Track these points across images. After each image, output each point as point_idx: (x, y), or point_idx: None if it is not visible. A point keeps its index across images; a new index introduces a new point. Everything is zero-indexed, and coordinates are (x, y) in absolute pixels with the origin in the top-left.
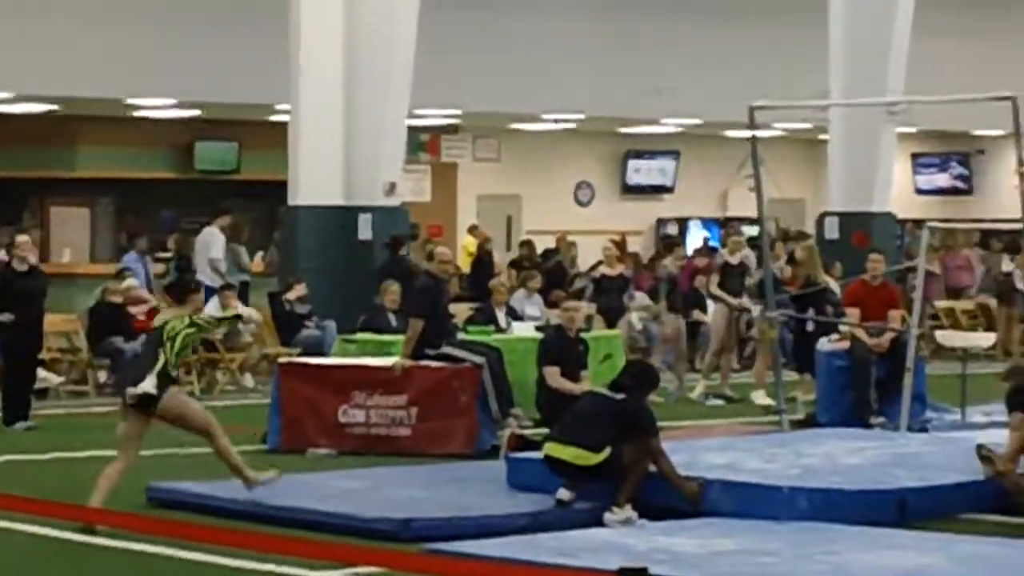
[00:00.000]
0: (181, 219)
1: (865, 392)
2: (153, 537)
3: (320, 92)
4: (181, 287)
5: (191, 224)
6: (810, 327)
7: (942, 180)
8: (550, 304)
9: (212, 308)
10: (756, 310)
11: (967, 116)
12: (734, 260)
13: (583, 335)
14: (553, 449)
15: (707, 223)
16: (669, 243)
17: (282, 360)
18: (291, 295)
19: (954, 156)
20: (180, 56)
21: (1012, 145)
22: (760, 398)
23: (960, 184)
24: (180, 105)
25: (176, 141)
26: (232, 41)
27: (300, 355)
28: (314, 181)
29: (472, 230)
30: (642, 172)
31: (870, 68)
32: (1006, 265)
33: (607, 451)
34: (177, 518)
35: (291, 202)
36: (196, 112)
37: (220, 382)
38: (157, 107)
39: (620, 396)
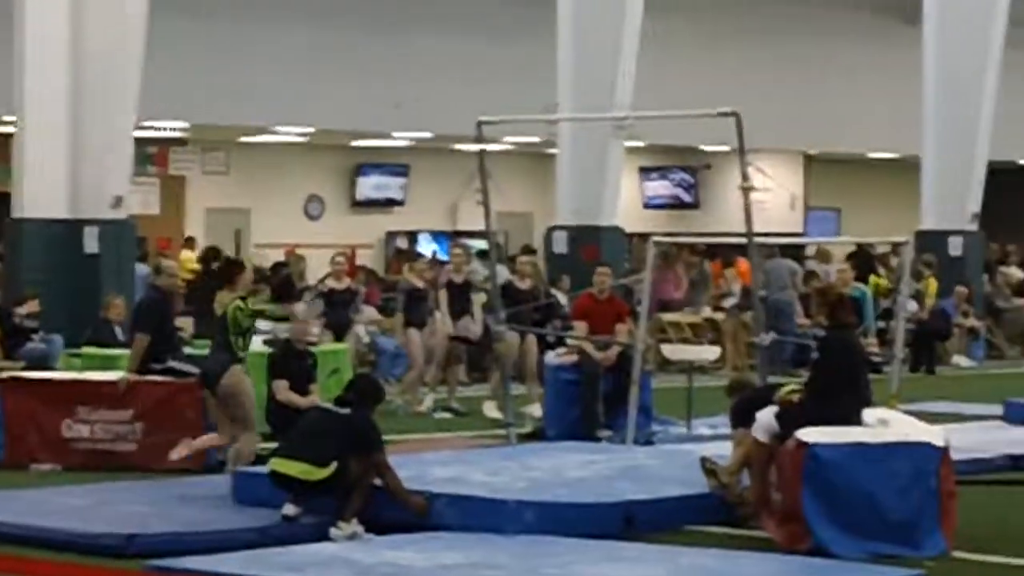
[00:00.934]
0: None
1: (592, 405)
2: None
3: (45, 102)
4: (227, 271)
5: None
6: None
7: (669, 194)
8: (279, 318)
9: None
10: (475, 328)
11: (694, 131)
12: (458, 278)
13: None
14: (279, 464)
15: (437, 236)
16: (409, 256)
17: (5, 375)
18: (22, 310)
19: (681, 170)
20: None
21: (737, 160)
22: (491, 410)
23: (687, 198)
24: None
25: None
26: None
27: (24, 369)
28: (39, 193)
29: (188, 242)
30: (372, 186)
31: (598, 83)
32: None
33: (333, 466)
34: None
35: (15, 215)
36: None
37: None
38: None
39: (345, 411)
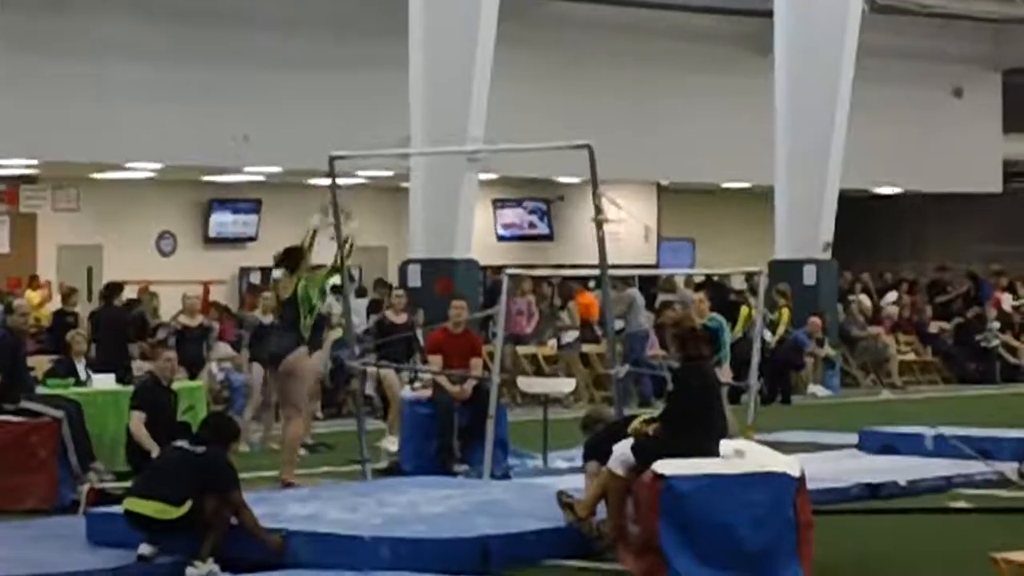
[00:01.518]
0: None
1: (448, 440)
2: None
3: None
4: (290, 257)
5: None
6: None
7: (523, 226)
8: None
9: None
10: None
11: (547, 163)
12: None
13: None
14: (133, 504)
15: None
16: (258, 292)
17: None
18: None
19: (535, 202)
20: None
21: (590, 192)
22: (390, 444)
23: (541, 230)
24: None
25: None
26: None
27: None
28: None
29: (32, 281)
30: (225, 221)
31: (451, 115)
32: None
33: (188, 504)
34: None
35: None
36: None
37: None
38: None
39: (200, 449)
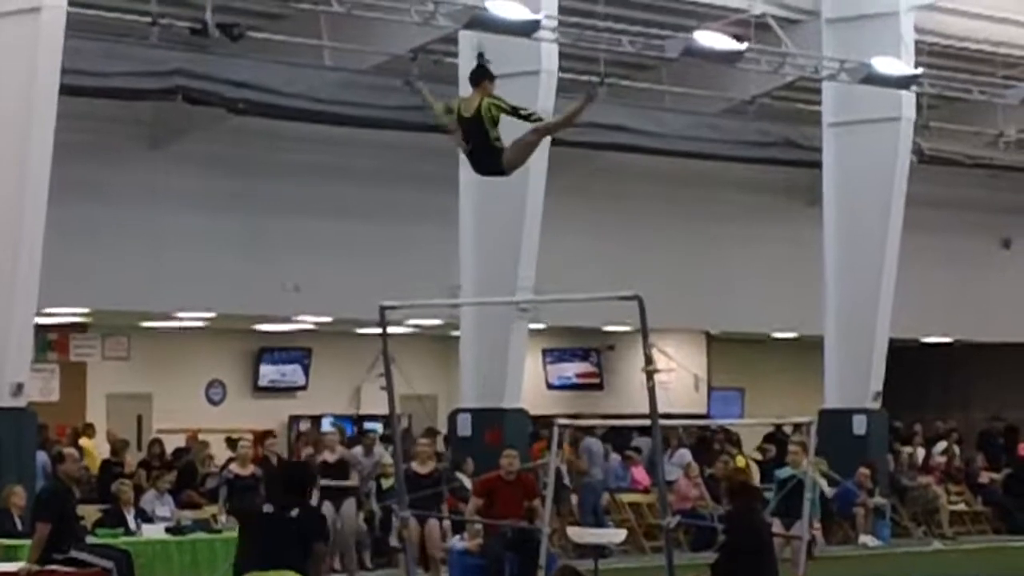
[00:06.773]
0: None
1: None
2: None
3: None
4: (476, 75)
5: None
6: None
7: (573, 375)
8: (182, 504)
9: None
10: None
11: (597, 312)
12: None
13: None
14: None
15: (341, 420)
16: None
17: None
18: None
19: (585, 351)
20: None
21: (640, 341)
22: None
23: (591, 379)
24: None
25: None
26: None
27: None
28: None
29: (87, 430)
30: (274, 370)
31: (501, 265)
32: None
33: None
34: None
35: None
36: None
37: None
38: None
39: (294, 512)
